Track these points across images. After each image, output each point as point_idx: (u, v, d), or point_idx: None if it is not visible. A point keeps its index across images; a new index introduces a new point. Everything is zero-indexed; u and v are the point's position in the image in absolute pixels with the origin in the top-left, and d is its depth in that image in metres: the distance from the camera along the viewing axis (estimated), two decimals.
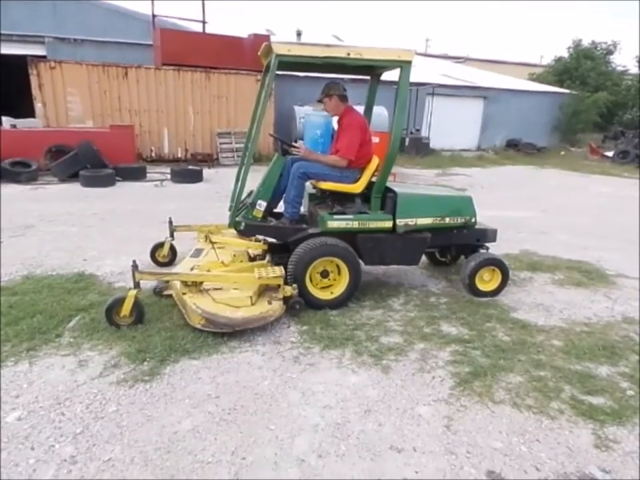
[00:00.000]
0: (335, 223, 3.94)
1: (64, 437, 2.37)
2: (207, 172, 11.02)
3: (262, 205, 4.07)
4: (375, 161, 4.24)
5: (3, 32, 13.71)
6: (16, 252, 5.09)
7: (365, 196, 4.22)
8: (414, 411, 2.69)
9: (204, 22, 14.68)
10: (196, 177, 10.25)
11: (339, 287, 3.96)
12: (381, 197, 4.12)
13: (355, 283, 3.96)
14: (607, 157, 18.62)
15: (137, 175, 10.18)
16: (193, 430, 2.45)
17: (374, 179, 4.19)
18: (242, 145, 13.44)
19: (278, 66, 3.67)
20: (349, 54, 3.68)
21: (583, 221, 7.90)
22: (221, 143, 13.30)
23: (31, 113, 11.89)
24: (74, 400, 2.65)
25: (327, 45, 3.75)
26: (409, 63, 3.81)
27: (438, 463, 2.30)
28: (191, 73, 12.93)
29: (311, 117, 13.37)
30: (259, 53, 4.18)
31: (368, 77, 4.69)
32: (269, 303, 3.59)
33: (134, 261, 3.48)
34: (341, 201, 4.24)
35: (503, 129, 20.79)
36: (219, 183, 10.21)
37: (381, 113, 13.67)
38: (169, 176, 10.37)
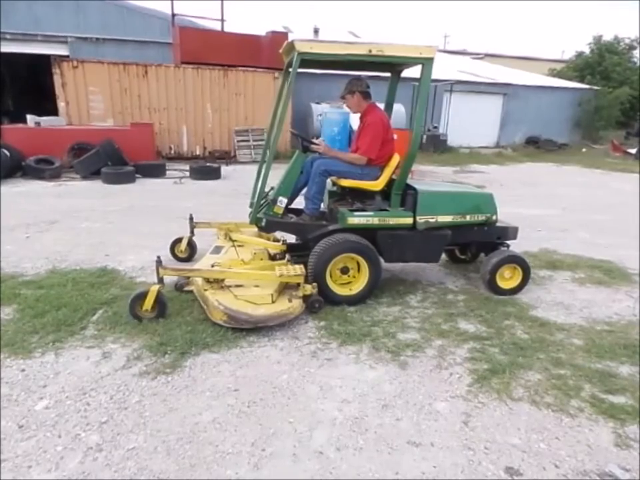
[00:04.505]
0: (355, 220, 3.96)
1: (89, 425, 2.44)
2: (224, 169, 11.12)
3: (283, 201, 4.10)
4: (396, 158, 4.23)
5: (28, 32, 14.02)
6: (41, 247, 5.23)
7: (385, 193, 4.23)
8: (431, 406, 2.70)
9: (222, 20, 14.79)
10: (214, 174, 10.36)
11: (359, 283, 3.98)
12: (401, 194, 4.13)
13: (375, 279, 3.98)
14: (630, 153, 18.25)
15: (156, 172, 10.34)
16: (214, 421, 2.51)
17: (394, 176, 4.20)
18: (259, 142, 13.54)
19: (300, 64, 3.69)
20: (370, 51, 3.69)
21: (604, 219, 7.76)
22: (238, 141, 13.40)
23: (54, 112, 12.15)
24: (99, 390, 2.73)
25: (349, 43, 3.77)
26: (431, 59, 3.79)
27: (456, 458, 2.31)
28: (210, 71, 13.06)
29: (329, 114, 13.43)
30: (280, 51, 4.20)
31: (388, 74, 4.69)
32: (290, 301, 3.63)
33: (158, 257, 3.55)
34: (360, 198, 4.25)
35: (522, 126, 20.50)
36: (237, 180, 10.30)
37: (398, 109, 13.62)
38: (187, 173, 10.50)
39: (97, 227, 6.15)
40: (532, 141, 20.02)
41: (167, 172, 10.64)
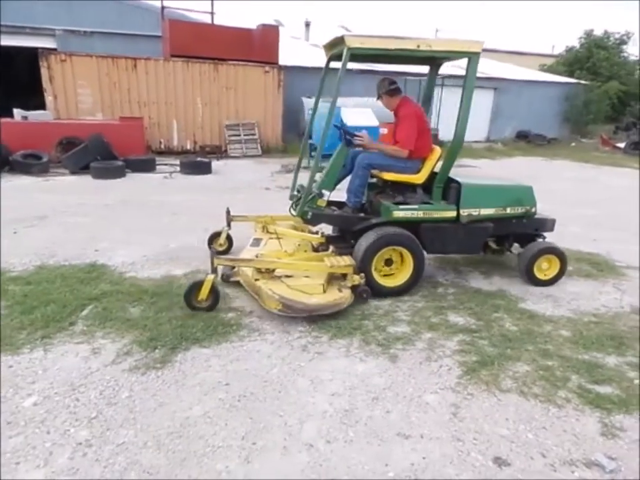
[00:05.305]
0: (400, 213, 4.03)
1: (79, 421, 2.43)
2: (215, 164, 11.05)
3: (327, 194, 4.18)
4: (437, 152, 4.32)
5: (15, 24, 13.77)
6: (30, 242, 5.17)
7: (426, 186, 4.28)
8: (421, 398, 2.72)
9: (212, 13, 14.64)
10: (205, 169, 10.29)
11: (402, 275, 4.07)
12: (443, 187, 4.18)
13: (419, 271, 4.08)
14: (619, 148, 18.39)
15: (146, 166, 10.23)
16: (204, 415, 2.51)
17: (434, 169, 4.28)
18: (250, 137, 13.46)
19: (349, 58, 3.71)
20: (418, 46, 3.76)
21: (594, 213, 7.83)
22: (229, 135, 13.31)
23: (41, 106, 11.98)
24: (88, 386, 2.72)
25: (398, 37, 3.82)
26: (478, 53, 3.87)
27: (445, 449, 2.33)
28: (200, 65, 12.93)
29: (320, 108, 13.38)
30: (322, 45, 4.29)
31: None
32: (340, 290, 3.72)
33: (213, 247, 3.63)
34: (402, 191, 4.30)
35: (512, 120, 20.57)
36: (228, 175, 10.26)
37: None
38: (178, 168, 10.42)
39: (86, 222, 6.10)
40: (522, 136, 20.08)
41: (157, 167, 10.53)
